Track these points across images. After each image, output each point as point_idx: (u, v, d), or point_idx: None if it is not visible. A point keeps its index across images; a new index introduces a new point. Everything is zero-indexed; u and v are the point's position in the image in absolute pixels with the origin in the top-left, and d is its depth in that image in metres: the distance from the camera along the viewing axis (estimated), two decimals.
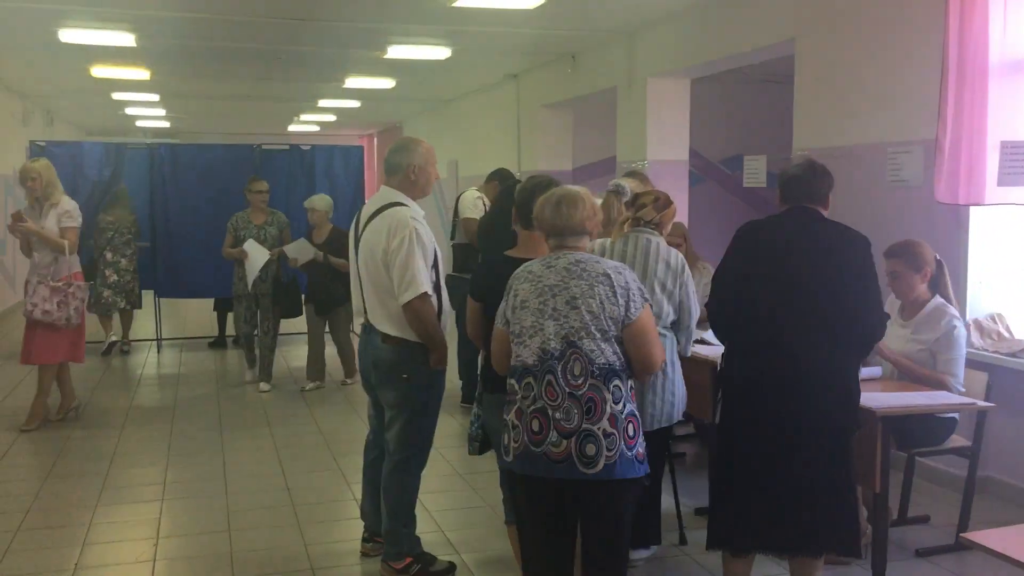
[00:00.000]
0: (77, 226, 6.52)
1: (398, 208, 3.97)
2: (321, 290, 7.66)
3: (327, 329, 7.94)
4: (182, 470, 5.74)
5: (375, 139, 21.34)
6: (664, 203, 4.05)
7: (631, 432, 2.96)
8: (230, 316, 9.24)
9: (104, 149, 9.61)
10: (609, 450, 2.89)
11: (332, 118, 17.73)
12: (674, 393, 4.03)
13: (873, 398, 3.79)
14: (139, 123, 19.11)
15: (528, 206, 3.49)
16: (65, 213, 6.44)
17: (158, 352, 9.85)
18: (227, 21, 8.30)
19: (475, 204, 7.14)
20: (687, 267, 3.89)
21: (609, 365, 2.93)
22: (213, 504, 5.10)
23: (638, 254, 4.01)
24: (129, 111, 16.55)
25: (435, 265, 3.98)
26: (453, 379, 6.85)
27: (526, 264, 3.16)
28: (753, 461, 3.39)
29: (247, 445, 6.27)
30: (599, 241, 4.13)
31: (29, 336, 6.49)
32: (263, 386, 7.90)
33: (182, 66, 11.07)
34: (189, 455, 6.05)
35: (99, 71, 10.98)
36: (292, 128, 19.91)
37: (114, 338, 9.75)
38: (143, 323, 10.54)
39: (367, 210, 4.10)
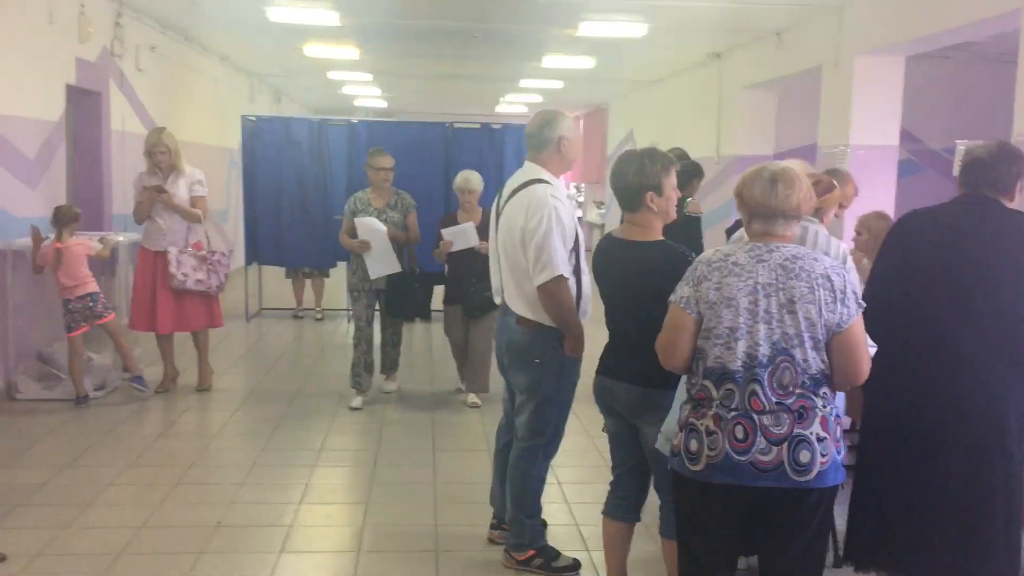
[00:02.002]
0: (206, 195, 6.71)
1: (539, 185, 3.79)
2: (472, 288, 6.33)
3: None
4: (339, 438, 5.86)
5: (581, 121, 21.21)
6: (826, 187, 3.62)
7: (839, 435, 2.68)
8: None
9: (308, 125, 10.02)
10: (823, 456, 2.61)
11: (538, 99, 17.76)
12: None
13: None
14: (357, 102, 19.98)
15: (630, 186, 3.28)
16: (197, 182, 6.61)
17: (347, 321, 10.21)
18: None
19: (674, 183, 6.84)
20: (849, 258, 3.46)
21: (820, 372, 2.64)
22: (358, 475, 5.16)
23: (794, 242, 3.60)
24: (346, 90, 17.31)
25: (575, 247, 3.77)
26: None
27: (722, 251, 2.76)
28: (895, 480, 2.96)
29: (405, 419, 6.32)
30: (740, 231, 3.76)
31: (168, 304, 6.58)
32: (388, 386, 6.97)
33: (387, 45, 11.38)
34: (349, 423, 6.17)
35: (311, 50, 11.48)
36: (499, 109, 20.15)
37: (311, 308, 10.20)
38: (334, 293, 10.94)
39: (509, 187, 3.95)
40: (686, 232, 6.49)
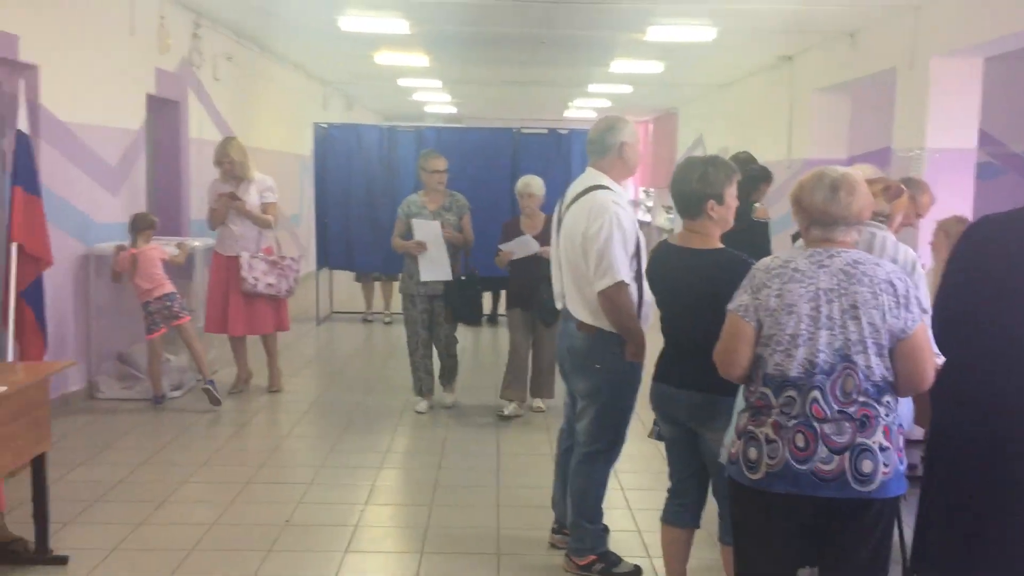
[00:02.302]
0: (276, 201, 6.92)
1: (600, 191, 3.80)
2: (545, 293, 5.92)
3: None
4: (404, 441, 5.94)
5: (650, 125, 21.10)
6: (895, 192, 3.55)
7: (902, 444, 2.65)
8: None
9: (378, 132, 10.17)
10: (886, 466, 2.58)
11: (606, 103, 17.72)
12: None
13: None
14: (427, 108, 20.19)
15: (693, 193, 3.30)
16: (268, 189, 6.83)
17: None
18: (489, 5, 8.46)
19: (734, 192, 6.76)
20: (918, 266, 3.38)
21: (884, 380, 2.60)
22: (423, 477, 5.22)
23: (860, 248, 3.54)
24: (417, 97, 17.52)
25: (637, 253, 3.76)
26: None
27: (781, 257, 2.74)
28: (965, 491, 2.89)
29: (471, 421, 6.37)
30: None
31: (240, 307, 6.76)
32: (446, 398, 6.71)
33: (456, 52, 11.49)
34: (415, 426, 6.24)
35: (381, 57, 11.66)
36: (568, 114, 20.16)
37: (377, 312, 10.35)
38: None
39: (571, 192, 3.96)
40: (753, 238, 6.41)
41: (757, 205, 6.71)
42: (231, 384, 6.99)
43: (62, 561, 3.95)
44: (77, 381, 6.60)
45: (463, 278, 6.47)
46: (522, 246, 6.26)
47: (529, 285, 6.14)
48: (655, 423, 3.63)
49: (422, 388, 6.56)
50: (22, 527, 4.03)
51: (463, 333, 7.60)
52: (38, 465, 3.99)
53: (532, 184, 6.42)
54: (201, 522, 4.45)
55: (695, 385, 3.23)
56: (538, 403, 6.57)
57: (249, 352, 7.10)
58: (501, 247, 6.33)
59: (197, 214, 8.83)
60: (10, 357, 5.23)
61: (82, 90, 6.65)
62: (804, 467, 2.59)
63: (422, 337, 6.46)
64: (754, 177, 6.79)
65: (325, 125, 10.25)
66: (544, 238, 6.09)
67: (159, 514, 4.56)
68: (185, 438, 5.84)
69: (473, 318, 6.60)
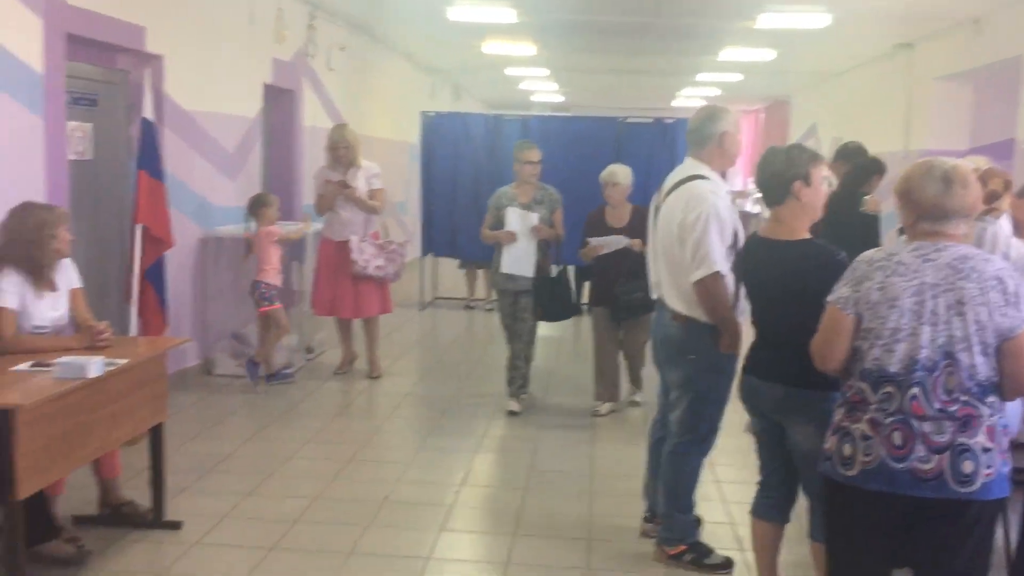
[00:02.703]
0: (383, 187, 7.06)
1: (699, 181, 3.78)
2: (621, 288, 5.90)
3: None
4: (501, 426, 6.03)
5: (761, 114, 20.65)
6: (1006, 186, 3.43)
7: (1007, 446, 2.60)
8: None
9: (483, 120, 10.29)
10: (988, 467, 2.53)
11: (716, 92, 17.44)
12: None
13: None
14: (534, 97, 20.25)
15: (777, 175, 3.25)
16: (374, 175, 6.98)
17: None
18: None
19: (823, 177, 6.58)
20: None
21: (988, 380, 2.55)
22: (518, 462, 5.30)
23: (970, 242, 3.43)
24: (524, 86, 17.61)
25: (734, 245, 3.73)
26: None
27: (885, 250, 2.70)
28: None
29: (566, 410, 6.41)
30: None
31: (349, 290, 6.93)
32: (512, 405, 6.25)
33: (564, 40, 11.51)
34: (510, 414, 6.32)
35: (489, 47, 11.77)
36: (676, 103, 19.92)
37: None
38: None
39: (669, 182, 3.95)
40: (863, 231, 6.25)
41: (867, 197, 6.52)
42: (336, 365, 7.22)
43: (176, 526, 4.19)
44: (194, 357, 6.93)
45: (552, 275, 6.19)
46: (612, 244, 5.99)
47: (615, 281, 5.92)
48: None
49: (515, 381, 6.38)
50: (138, 493, 4.29)
51: (561, 325, 7.53)
52: (156, 435, 4.24)
53: (618, 173, 6.11)
54: (305, 495, 4.64)
55: (779, 378, 3.20)
56: (633, 396, 6.48)
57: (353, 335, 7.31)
58: (590, 241, 6.03)
59: (308, 199, 9.12)
60: (133, 332, 5.54)
61: (203, 79, 6.95)
62: (901, 466, 2.55)
63: (513, 330, 6.27)
64: (864, 168, 6.61)
65: (432, 114, 10.43)
66: (630, 230, 5.92)
67: (266, 486, 4.77)
68: (292, 415, 6.08)
69: (563, 314, 6.30)
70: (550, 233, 6.11)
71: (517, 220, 6.07)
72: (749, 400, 3.40)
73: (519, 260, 6.06)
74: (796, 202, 3.26)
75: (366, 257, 6.89)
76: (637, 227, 5.67)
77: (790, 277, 3.19)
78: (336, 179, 6.89)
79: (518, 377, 6.26)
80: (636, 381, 6.47)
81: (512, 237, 6.05)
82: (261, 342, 6.77)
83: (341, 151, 6.87)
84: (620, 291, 5.86)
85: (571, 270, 6.67)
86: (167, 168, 6.09)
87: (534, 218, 6.05)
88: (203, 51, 6.93)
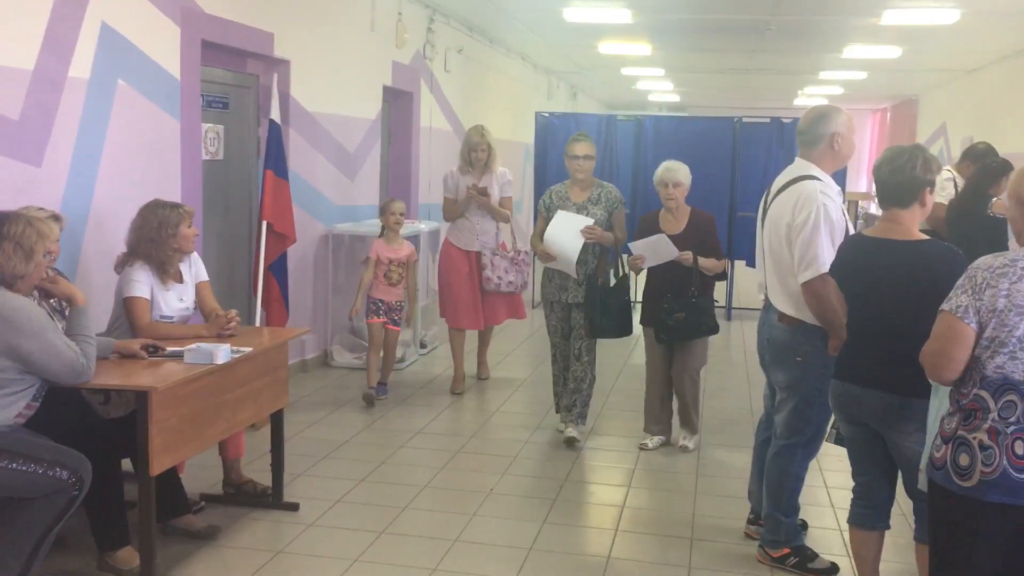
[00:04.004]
0: (512, 195, 6.76)
1: (809, 181, 3.75)
2: (663, 307, 5.21)
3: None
4: (607, 423, 6.08)
5: (887, 113, 19.96)
6: None
7: None
8: None
9: (597, 120, 10.34)
10: None
11: (839, 91, 17.00)
12: None
13: None
14: (650, 97, 20.15)
15: (913, 180, 3.21)
16: (507, 182, 6.65)
17: None
18: None
19: (943, 186, 6.39)
20: None
21: None
22: (624, 459, 5.34)
23: None
24: (640, 86, 17.56)
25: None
26: None
27: (1007, 256, 2.60)
28: None
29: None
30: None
31: (479, 303, 6.64)
32: (569, 431, 5.52)
33: (679, 40, 11.45)
34: (618, 410, 6.36)
35: (605, 47, 11.81)
36: (798, 102, 19.47)
37: None
38: None
39: (778, 182, 3.93)
40: (989, 234, 6.05)
41: (996, 200, 6.30)
42: (451, 384, 6.78)
43: (294, 507, 4.41)
44: (314, 349, 7.23)
45: (611, 284, 5.46)
46: (655, 249, 5.20)
47: (660, 299, 5.25)
48: (833, 426, 3.56)
49: (559, 405, 5.77)
50: (260, 475, 4.54)
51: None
52: (277, 420, 4.48)
53: (679, 171, 5.30)
54: (415, 483, 4.81)
55: (885, 386, 3.15)
56: (683, 441, 5.48)
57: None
58: (632, 247, 5.29)
59: (425, 199, 9.37)
60: (257, 324, 5.83)
61: (326, 82, 7.24)
62: (1023, 476, 2.49)
63: (560, 348, 5.64)
64: (993, 170, 6.39)
65: (547, 114, 10.54)
66: (686, 238, 5.23)
67: (378, 473, 4.97)
68: (404, 407, 6.28)
69: (617, 331, 5.41)
70: (606, 237, 5.39)
71: (560, 224, 5.38)
72: (843, 407, 3.36)
73: (560, 260, 5.41)
74: (920, 208, 3.25)
75: (499, 273, 6.57)
76: (692, 235, 5.24)
77: (912, 278, 3.14)
78: (471, 184, 6.51)
79: (564, 395, 5.62)
80: (687, 422, 5.50)
81: (549, 257, 5.41)
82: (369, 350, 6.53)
83: (480, 153, 6.49)
84: (662, 311, 5.21)
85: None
86: (292, 167, 6.38)
87: (580, 221, 5.34)
88: (327, 55, 7.22)
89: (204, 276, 4.46)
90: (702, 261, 5.19)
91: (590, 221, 5.34)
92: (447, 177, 6.69)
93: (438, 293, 6.98)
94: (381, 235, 6.57)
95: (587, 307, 5.37)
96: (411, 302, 6.71)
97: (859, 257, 3.36)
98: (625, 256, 5.44)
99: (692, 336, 5.26)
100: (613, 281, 5.53)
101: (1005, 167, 6.58)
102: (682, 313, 5.16)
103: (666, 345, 5.34)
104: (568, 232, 5.32)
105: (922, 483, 2.89)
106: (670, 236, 5.20)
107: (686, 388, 5.41)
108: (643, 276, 5.53)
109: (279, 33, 6.42)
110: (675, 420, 5.60)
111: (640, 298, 5.57)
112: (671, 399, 5.53)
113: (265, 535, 4.17)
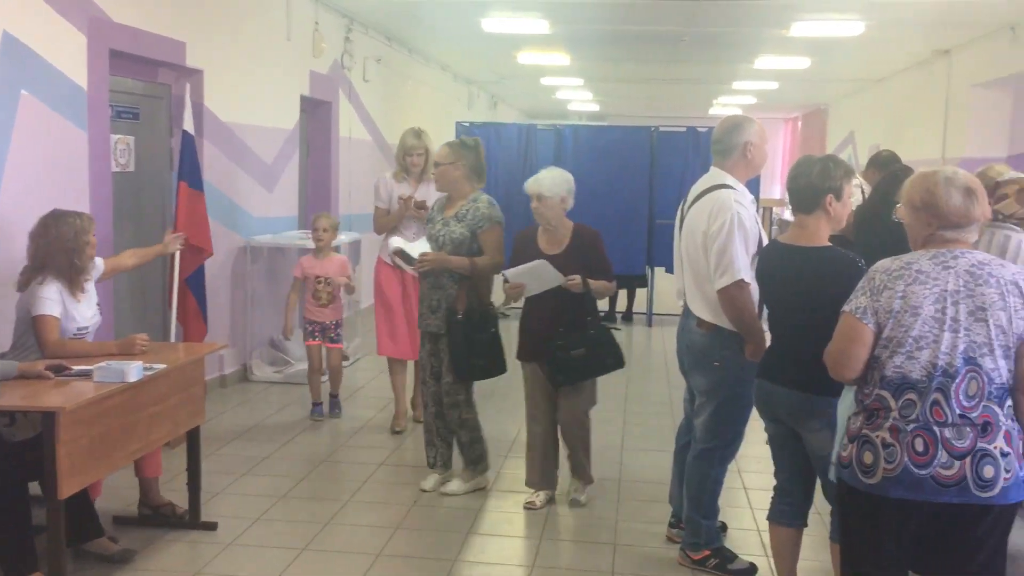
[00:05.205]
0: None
1: (723, 191, 3.83)
2: (557, 343, 4.42)
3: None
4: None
5: (799, 122, 20.54)
6: None
7: (1022, 450, 2.63)
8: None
9: (517, 129, 10.40)
10: (1007, 471, 2.57)
11: (752, 100, 17.42)
12: None
13: None
14: (571, 106, 20.35)
15: (811, 187, 3.31)
16: None
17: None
18: (628, 4, 8.52)
19: (851, 193, 6.56)
20: None
21: (1005, 384, 2.59)
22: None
23: (992, 252, 3.45)
24: (560, 95, 17.73)
25: (758, 253, 3.78)
26: None
27: (902, 259, 2.70)
28: None
29: (596, 417, 6.41)
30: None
31: (410, 328, 6.09)
32: (449, 486, 4.83)
33: (596, 50, 11.59)
34: None
35: (524, 57, 11.88)
36: (713, 112, 19.89)
37: None
38: None
39: (694, 191, 4.01)
40: (894, 239, 6.22)
41: (899, 205, 6.50)
42: (392, 421, 6.07)
43: (212, 527, 4.31)
44: (233, 363, 7.08)
45: (470, 317, 4.60)
46: (538, 275, 4.40)
47: (548, 333, 4.45)
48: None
49: (427, 456, 4.94)
50: (176, 495, 4.42)
51: None
52: (193, 438, 4.37)
53: (543, 181, 4.48)
54: (338, 498, 4.74)
55: (794, 383, 3.24)
56: (575, 494, 4.73)
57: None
58: (507, 274, 4.48)
59: (345, 209, 9.27)
60: (172, 339, 5.69)
61: (241, 92, 7.12)
62: (924, 472, 2.58)
63: (428, 387, 4.84)
64: (898, 176, 6.58)
65: (467, 124, 10.56)
66: (569, 259, 4.42)
67: (300, 488, 4.88)
68: (324, 421, 6.18)
69: (484, 372, 4.69)
70: (463, 265, 4.58)
71: (402, 256, 4.84)
72: (764, 405, 3.44)
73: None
74: (824, 214, 3.34)
75: None
76: (576, 256, 4.45)
77: (810, 282, 3.25)
78: (406, 194, 5.82)
79: (432, 443, 4.89)
80: (578, 471, 4.74)
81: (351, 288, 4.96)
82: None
83: (415, 158, 5.84)
84: (557, 348, 4.43)
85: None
86: (207, 179, 6.24)
87: (419, 248, 4.72)
88: (242, 65, 7.11)
89: (101, 266, 4.38)
90: (593, 284, 4.43)
91: (424, 247, 4.69)
92: (379, 184, 5.99)
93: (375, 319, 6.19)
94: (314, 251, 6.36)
95: (450, 345, 4.65)
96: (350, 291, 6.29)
97: (773, 262, 3.45)
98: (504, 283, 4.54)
99: (596, 373, 4.54)
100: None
101: (909, 174, 6.81)
102: (581, 349, 4.41)
103: (554, 386, 4.61)
104: (410, 263, 4.77)
105: (832, 475, 2.97)
106: (549, 257, 4.43)
107: (575, 435, 4.66)
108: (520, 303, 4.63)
109: (191, 42, 6.29)
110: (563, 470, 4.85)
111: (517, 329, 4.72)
112: (556, 447, 4.76)
113: (182, 557, 4.07)
